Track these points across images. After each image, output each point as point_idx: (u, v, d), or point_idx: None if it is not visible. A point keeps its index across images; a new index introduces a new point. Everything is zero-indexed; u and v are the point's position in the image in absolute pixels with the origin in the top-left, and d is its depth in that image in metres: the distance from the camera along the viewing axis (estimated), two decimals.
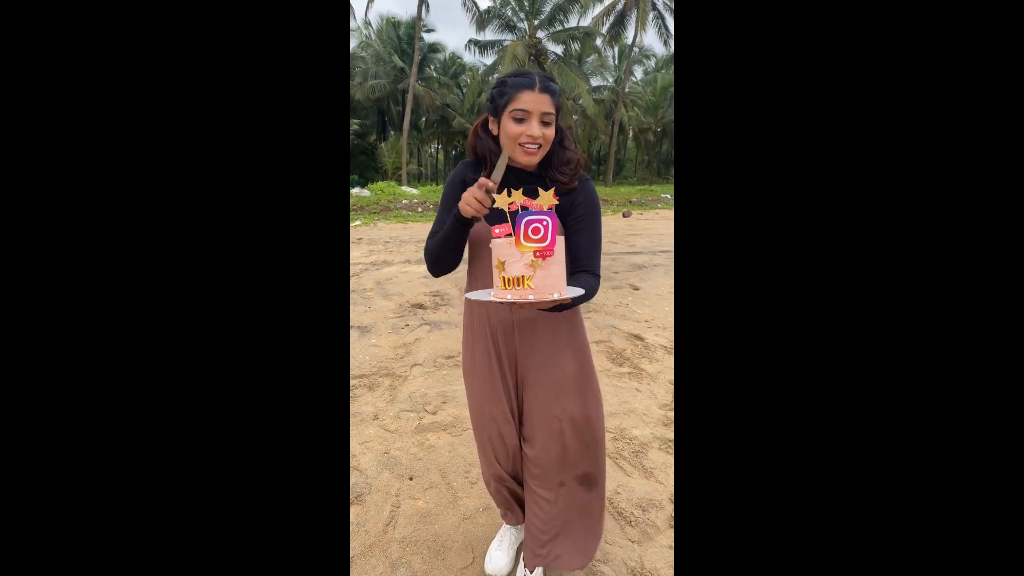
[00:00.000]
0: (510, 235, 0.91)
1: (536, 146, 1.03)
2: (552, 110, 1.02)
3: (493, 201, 1.03)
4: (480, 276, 1.14)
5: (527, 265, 0.87)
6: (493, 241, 0.91)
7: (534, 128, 1.01)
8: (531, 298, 0.87)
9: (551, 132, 1.03)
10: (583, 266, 1.06)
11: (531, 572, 1.29)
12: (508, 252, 0.88)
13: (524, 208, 0.91)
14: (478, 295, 0.98)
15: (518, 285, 0.88)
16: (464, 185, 1.10)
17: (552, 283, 0.89)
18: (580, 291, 0.94)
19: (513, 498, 1.33)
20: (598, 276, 1.08)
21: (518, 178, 1.08)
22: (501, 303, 0.91)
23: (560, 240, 0.88)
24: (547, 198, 0.91)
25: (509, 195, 0.93)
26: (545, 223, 0.86)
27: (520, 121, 1.01)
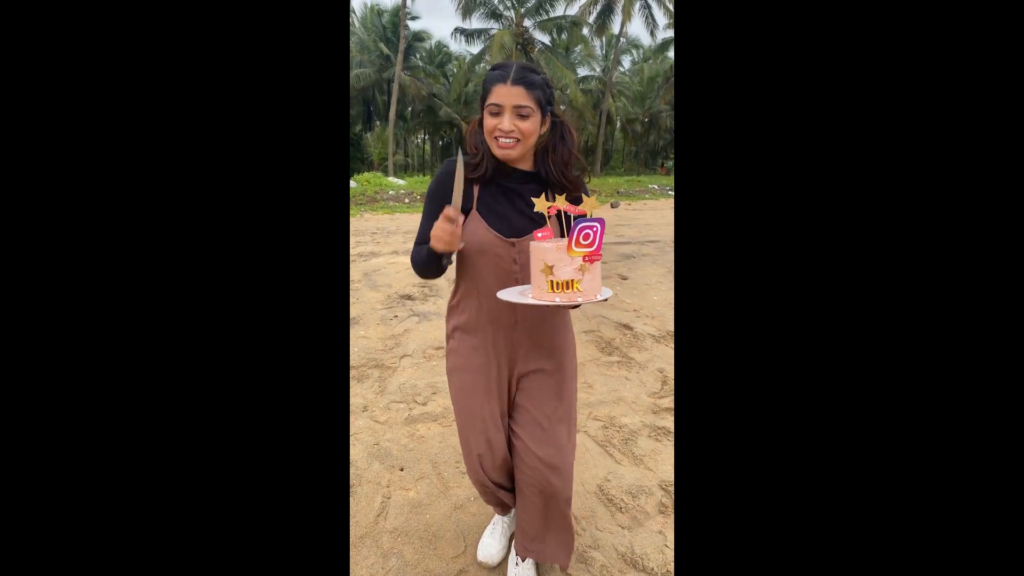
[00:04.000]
0: (554, 238, 0.94)
1: (511, 140, 1.00)
2: (527, 103, 0.98)
3: (483, 174, 1.04)
4: (475, 281, 1.11)
5: (577, 269, 0.90)
6: (535, 244, 0.92)
7: (505, 122, 0.98)
8: (580, 300, 0.90)
9: (528, 125, 0.99)
10: None
11: (523, 560, 1.31)
12: (557, 256, 0.90)
13: (566, 213, 0.94)
14: (509, 295, 0.96)
15: (567, 288, 0.90)
16: (441, 207, 1.05)
17: (596, 285, 0.92)
18: (610, 291, 0.96)
19: (501, 497, 1.32)
20: None
21: (512, 177, 1.07)
22: (508, 302, 0.93)
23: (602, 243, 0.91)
24: (592, 204, 0.93)
25: (551, 199, 0.95)
26: (595, 229, 0.89)
27: (495, 115, 0.99)
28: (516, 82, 0.97)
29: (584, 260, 0.89)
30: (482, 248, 1.06)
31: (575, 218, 0.91)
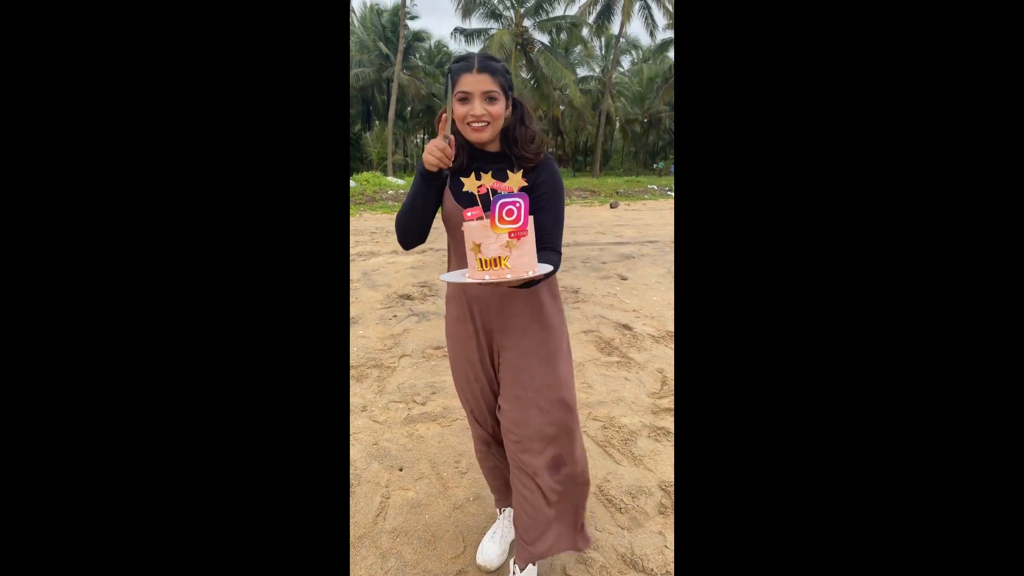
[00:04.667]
0: (482, 218, 0.94)
1: (483, 123, 1.07)
2: (494, 87, 1.05)
3: (460, 164, 1.10)
4: (453, 253, 1.19)
5: (503, 246, 0.90)
6: (466, 224, 0.93)
7: (476, 107, 1.05)
8: (509, 277, 0.91)
9: (497, 108, 1.07)
10: (546, 243, 1.10)
11: (521, 570, 1.27)
12: (483, 234, 0.91)
13: (494, 191, 0.94)
14: (453, 276, 1.00)
15: (495, 265, 0.91)
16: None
17: (526, 261, 0.92)
18: (550, 267, 0.99)
19: (504, 472, 1.35)
20: (559, 253, 1.13)
21: (484, 158, 1.13)
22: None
23: (531, 219, 0.92)
24: (516, 180, 0.95)
25: (478, 178, 0.96)
26: (518, 204, 0.90)
27: (464, 102, 1.06)
28: (481, 70, 1.04)
29: (510, 237, 0.90)
30: (451, 220, 1.15)
31: (492, 193, 0.92)
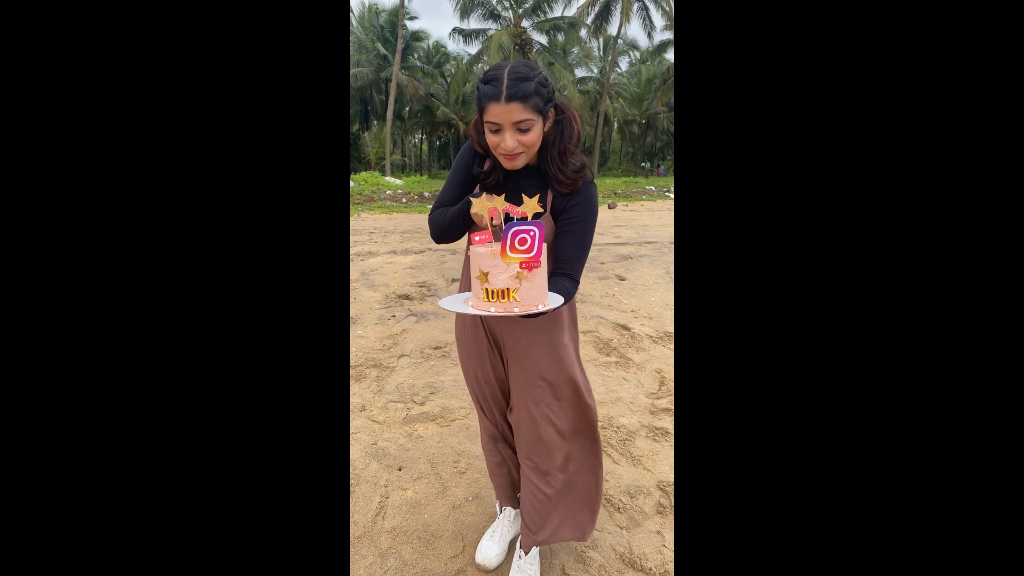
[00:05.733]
0: (491, 243, 0.87)
1: (515, 154, 0.99)
2: (526, 116, 0.93)
3: (496, 180, 1.02)
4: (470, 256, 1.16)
5: (512, 277, 0.83)
6: (473, 249, 0.86)
7: (507, 140, 0.95)
8: (516, 311, 0.84)
9: (531, 136, 0.96)
10: (564, 269, 1.03)
11: (526, 553, 1.31)
12: (492, 263, 0.83)
13: (507, 215, 0.87)
14: (452, 304, 0.93)
15: (503, 298, 0.84)
16: (469, 172, 1.11)
17: (537, 294, 0.85)
18: (561, 299, 0.92)
19: (511, 470, 1.36)
20: (577, 282, 1.05)
21: (520, 173, 1.06)
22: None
23: (544, 248, 0.85)
24: (531, 205, 0.87)
25: (490, 200, 0.89)
26: (532, 233, 0.82)
27: (495, 133, 0.97)
28: (510, 98, 0.92)
29: (521, 267, 0.82)
30: (472, 227, 1.10)
31: (504, 217, 0.85)
